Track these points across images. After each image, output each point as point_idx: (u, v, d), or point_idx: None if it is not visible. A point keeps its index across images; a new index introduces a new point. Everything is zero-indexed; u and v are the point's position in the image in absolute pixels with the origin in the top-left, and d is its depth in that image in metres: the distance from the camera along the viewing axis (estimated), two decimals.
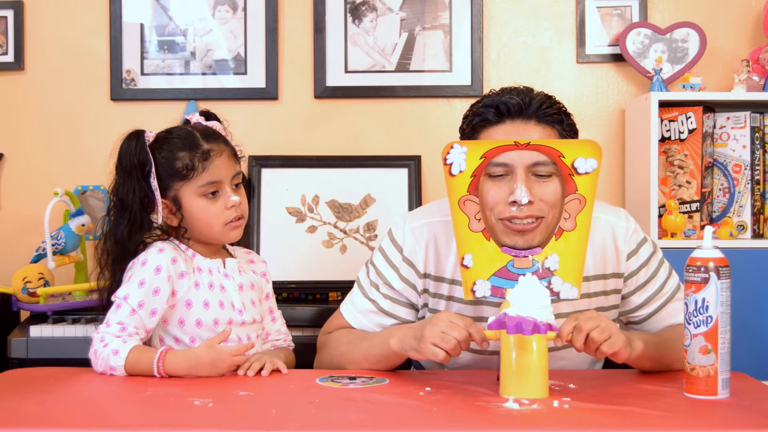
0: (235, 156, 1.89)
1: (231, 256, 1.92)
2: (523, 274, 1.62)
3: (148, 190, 1.81)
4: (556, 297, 1.63)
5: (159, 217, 1.82)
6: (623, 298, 1.88)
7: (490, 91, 1.83)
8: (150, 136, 1.83)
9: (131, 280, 1.77)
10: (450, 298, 1.86)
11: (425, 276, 1.87)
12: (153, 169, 1.81)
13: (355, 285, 1.94)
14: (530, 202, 1.67)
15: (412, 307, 1.90)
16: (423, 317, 1.90)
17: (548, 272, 1.64)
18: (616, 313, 1.89)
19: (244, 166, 2.82)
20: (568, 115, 1.80)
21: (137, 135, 1.83)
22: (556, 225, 1.70)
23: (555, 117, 1.76)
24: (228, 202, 1.83)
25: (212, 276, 1.84)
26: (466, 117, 1.83)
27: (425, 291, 1.88)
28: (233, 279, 1.87)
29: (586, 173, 1.63)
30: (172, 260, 1.79)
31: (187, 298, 1.80)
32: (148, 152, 1.81)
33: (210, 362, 1.69)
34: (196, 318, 1.80)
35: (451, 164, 1.64)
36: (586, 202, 1.63)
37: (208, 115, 1.92)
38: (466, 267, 1.65)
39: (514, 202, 1.67)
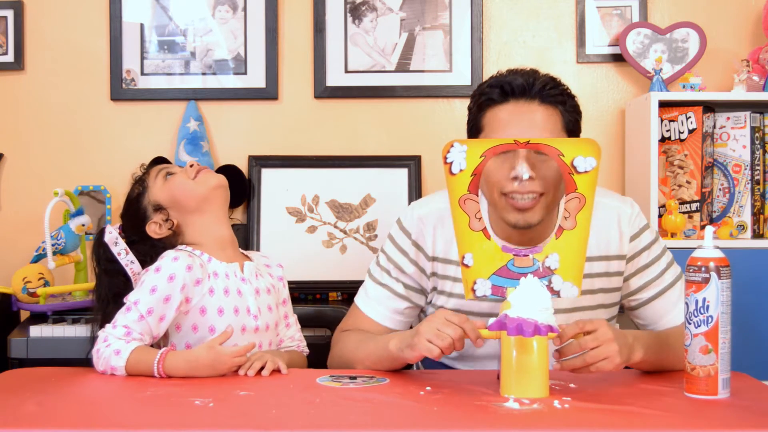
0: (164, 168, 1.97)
1: (248, 259, 1.93)
2: (524, 273, 1.62)
3: (141, 217, 1.90)
4: (556, 295, 1.63)
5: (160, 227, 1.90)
6: (625, 280, 1.91)
7: (497, 72, 1.86)
8: (114, 232, 1.88)
9: (144, 285, 1.78)
10: (456, 280, 1.88)
11: (434, 259, 1.90)
12: (127, 256, 1.87)
13: (367, 276, 1.98)
14: (531, 178, 1.71)
15: (423, 292, 1.93)
16: (431, 302, 1.93)
17: (549, 271, 1.64)
18: (618, 296, 1.92)
19: (244, 166, 2.85)
20: (572, 96, 1.83)
21: (99, 242, 1.89)
22: (556, 205, 1.76)
23: (558, 98, 1.79)
24: (185, 168, 1.91)
25: (229, 280, 1.84)
26: (473, 96, 1.86)
27: (434, 274, 1.91)
28: (250, 283, 1.87)
29: (586, 172, 1.63)
30: (188, 268, 1.79)
31: (201, 304, 1.80)
32: (111, 249, 1.87)
33: (210, 364, 1.69)
34: (210, 325, 1.80)
35: (451, 163, 1.64)
36: (585, 200, 1.64)
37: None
38: (467, 266, 1.65)
39: (515, 178, 1.71)
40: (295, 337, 1.98)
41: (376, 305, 1.93)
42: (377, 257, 1.98)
